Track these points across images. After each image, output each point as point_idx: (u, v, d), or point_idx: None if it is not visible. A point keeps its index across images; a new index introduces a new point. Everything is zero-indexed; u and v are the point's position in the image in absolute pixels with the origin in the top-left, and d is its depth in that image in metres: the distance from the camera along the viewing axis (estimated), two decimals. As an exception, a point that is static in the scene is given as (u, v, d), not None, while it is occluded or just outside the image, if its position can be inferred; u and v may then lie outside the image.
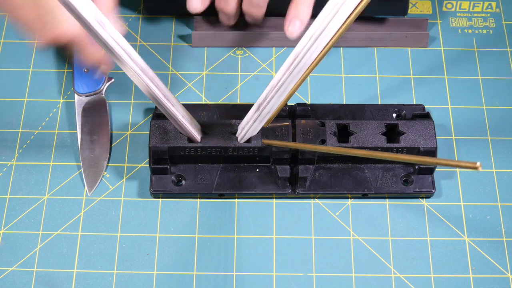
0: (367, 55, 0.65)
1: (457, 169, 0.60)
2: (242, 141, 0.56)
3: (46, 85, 0.64)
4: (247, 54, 0.65)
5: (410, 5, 0.68)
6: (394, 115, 0.60)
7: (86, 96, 0.62)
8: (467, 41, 0.67)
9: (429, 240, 0.57)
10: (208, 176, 0.58)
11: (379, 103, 0.63)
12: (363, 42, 0.66)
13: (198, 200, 0.58)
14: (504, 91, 0.64)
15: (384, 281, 0.55)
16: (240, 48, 0.66)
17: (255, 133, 0.56)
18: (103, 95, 0.62)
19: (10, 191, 0.59)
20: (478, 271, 0.56)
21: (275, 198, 0.58)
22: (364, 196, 0.58)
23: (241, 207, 0.58)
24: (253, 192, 0.58)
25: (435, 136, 0.57)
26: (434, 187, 0.58)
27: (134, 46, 0.65)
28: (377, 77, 0.64)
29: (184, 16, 0.66)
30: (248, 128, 0.55)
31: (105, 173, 0.60)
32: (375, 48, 0.66)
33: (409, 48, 0.66)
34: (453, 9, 0.69)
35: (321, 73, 0.64)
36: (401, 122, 0.58)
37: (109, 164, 0.60)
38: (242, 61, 0.65)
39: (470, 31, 0.67)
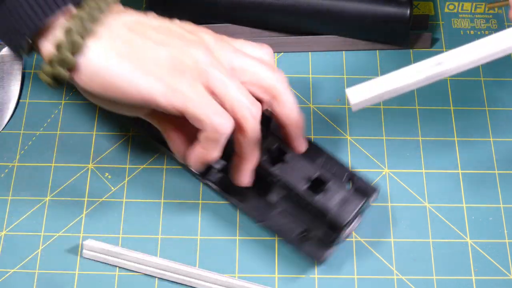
0: (369, 57, 0.65)
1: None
2: None
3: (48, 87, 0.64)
4: (249, 55, 0.65)
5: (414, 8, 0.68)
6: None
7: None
8: (469, 42, 0.66)
9: (431, 241, 0.57)
10: None
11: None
12: (364, 45, 0.65)
13: (200, 202, 0.58)
14: (506, 93, 0.64)
15: (386, 282, 0.55)
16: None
17: None
18: None
19: (12, 192, 0.59)
20: (480, 273, 0.56)
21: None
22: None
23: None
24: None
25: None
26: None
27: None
28: (379, 79, 0.64)
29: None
30: None
31: (107, 174, 0.60)
32: (377, 50, 0.66)
33: (411, 49, 0.66)
34: (455, 10, 0.69)
35: (323, 74, 0.64)
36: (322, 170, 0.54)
37: (111, 166, 0.60)
38: (244, 62, 0.65)
39: (472, 32, 0.67)
